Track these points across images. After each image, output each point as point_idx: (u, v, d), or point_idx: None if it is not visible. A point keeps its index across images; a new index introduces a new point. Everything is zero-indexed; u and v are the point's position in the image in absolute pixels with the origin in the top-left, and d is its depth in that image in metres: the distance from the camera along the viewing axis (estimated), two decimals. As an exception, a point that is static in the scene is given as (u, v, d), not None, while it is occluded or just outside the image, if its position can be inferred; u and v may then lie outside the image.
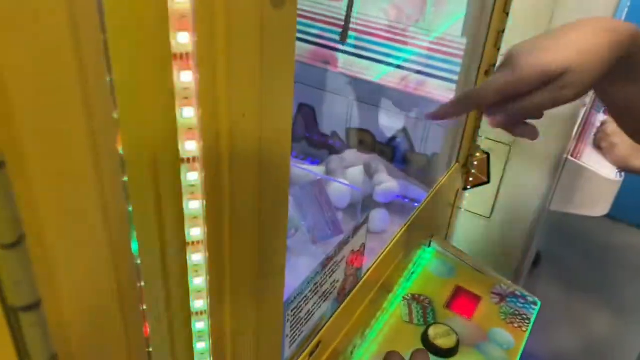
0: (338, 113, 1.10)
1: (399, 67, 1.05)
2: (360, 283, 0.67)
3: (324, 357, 0.62)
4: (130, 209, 0.30)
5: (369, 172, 1.00)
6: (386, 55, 1.06)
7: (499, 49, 0.84)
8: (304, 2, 1.08)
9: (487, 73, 0.86)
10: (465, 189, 1.07)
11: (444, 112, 0.58)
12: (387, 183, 0.96)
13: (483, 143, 1.01)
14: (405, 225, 0.79)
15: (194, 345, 0.38)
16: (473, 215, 1.10)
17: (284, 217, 0.41)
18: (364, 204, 1.00)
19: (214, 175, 0.33)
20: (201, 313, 0.37)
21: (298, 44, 1.08)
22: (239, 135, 0.34)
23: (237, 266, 0.38)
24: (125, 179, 0.29)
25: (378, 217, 0.96)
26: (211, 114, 0.32)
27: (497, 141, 1.00)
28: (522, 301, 0.86)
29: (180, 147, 0.31)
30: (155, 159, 0.30)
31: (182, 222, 0.34)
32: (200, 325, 0.37)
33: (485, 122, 0.96)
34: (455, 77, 0.94)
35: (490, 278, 0.89)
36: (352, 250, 0.62)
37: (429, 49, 1.01)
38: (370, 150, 1.10)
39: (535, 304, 0.86)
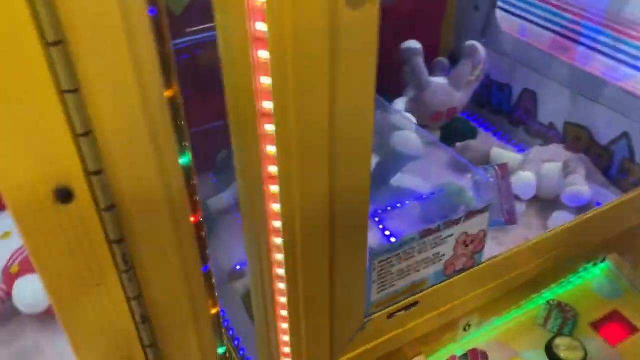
0: (560, 105, 1.06)
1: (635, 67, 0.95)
2: (478, 267, 0.70)
3: (422, 317, 0.68)
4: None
5: (566, 171, 0.95)
6: (629, 55, 0.97)
7: None
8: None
9: None
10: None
11: None
12: (578, 186, 0.91)
13: None
14: (560, 228, 0.77)
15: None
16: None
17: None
18: (552, 202, 0.97)
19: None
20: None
21: (537, 29, 1.07)
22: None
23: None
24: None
25: (560, 218, 0.93)
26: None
27: None
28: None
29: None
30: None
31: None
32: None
33: None
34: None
35: (663, 316, 0.80)
36: (466, 233, 0.65)
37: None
38: (585, 149, 1.04)
39: None
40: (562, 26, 1.05)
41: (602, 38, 1.00)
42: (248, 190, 0.49)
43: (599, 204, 0.94)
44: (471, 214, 0.64)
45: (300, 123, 0.43)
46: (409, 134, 0.95)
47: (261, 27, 0.39)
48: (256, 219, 0.50)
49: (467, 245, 0.67)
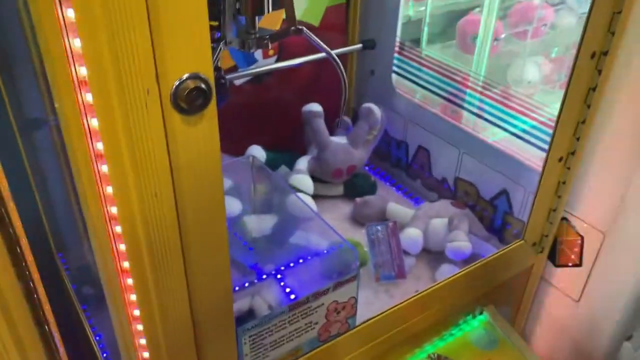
0: (450, 162, 1.14)
1: (514, 134, 1.05)
2: (354, 330, 0.75)
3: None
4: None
5: (451, 227, 1.03)
6: (503, 121, 1.07)
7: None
8: (445, 58, 1.15)
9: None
10: (557, 266, 1.03)
11: None
12: (459, 242, 0.99)
13: (578, 225, 0.96)
14: (437, 285, 0.84)
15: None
16: (562, 294, 1.04)
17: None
18: (439, 255, 1.04)
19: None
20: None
21: (431, 96, 1.16)
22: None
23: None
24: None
25: (446, 271, 1.00)
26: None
27: (592, 226, 0.94)
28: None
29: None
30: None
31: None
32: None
33: (582, 199, 0.92)
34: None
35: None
36: (336, 301, 0.70)
37: (545, 124, 0.99)
38: (474, 203, 1.12)
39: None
40: (448, 92, 1.14)
41: (482, 105, 1.09)
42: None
43: (483, 256, 1.02)
44: (339, 284, 0.70)
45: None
46: (303, 198, 1.00)
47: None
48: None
49: (338, 312, 0.72)
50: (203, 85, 0.44)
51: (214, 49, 0.71)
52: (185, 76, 0.43)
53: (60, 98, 0.44)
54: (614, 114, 0.82)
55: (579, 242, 0.98)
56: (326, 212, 1.16)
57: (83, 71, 0.40)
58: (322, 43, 0.84)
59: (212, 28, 0.69)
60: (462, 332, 0.92)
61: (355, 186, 1.19)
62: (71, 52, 0.40)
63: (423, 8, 1.17)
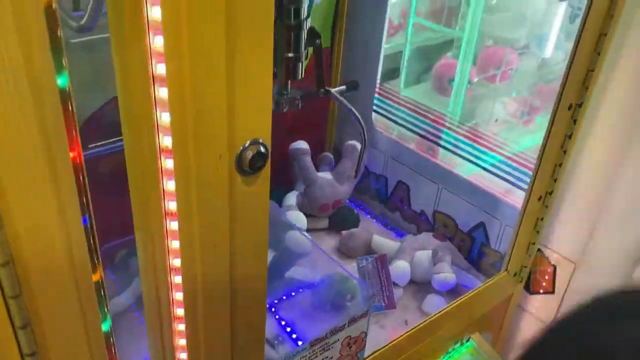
0: (428, 196, 1.22)
1: (484, 169, 1.13)
2: (362, 362, 0.80)
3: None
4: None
5: (435, 259, 1.10)
6: (475, 157, 1.16)
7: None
8: (423, 99, 1.24)
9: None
10: (531, 293, 1.12)
11: None
12: (445, 274, 1.06)
13: (551, 256, 1.05)
14: (435, 315, 0.90)
15: None
16: (537, 319, 1.13)
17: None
18: (425, 286, 1.11)
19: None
20: None
21: (408, 133, 1.23)
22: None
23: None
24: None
25: (433, 302, 1.07)
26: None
27: (564, 257, 1.03)
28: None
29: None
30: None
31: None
32: None
33: (554, 233, 1.01)
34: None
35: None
36: (349, 336, 0.75)
37: (510, 159, 1.08)
38: (452, 235, 1.20)
39: None
40: (425, 130, 1.22)
41: (457, 142, 1.18)
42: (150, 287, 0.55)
43: (465, 285, 1.10)
44: (353, 320, 0.74)
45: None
46: (298, 235, 1.05)
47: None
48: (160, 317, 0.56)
49: (350, 347, 0.77)
50: (263, 149, 0.49)
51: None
52: (248, 143, 0.48)
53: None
54: (584, 158, 0.92)
55: (552, 271, 1.07)
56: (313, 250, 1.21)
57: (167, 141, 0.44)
58: (347, 103, 0.90)
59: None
60: (451, 359, 0.98)
61: (340, 219, 1.25)
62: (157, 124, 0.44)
63: (401, 42, 1.26)
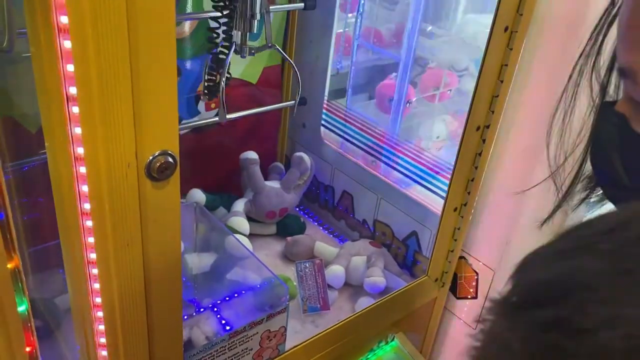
0: (370, 206, 1.31)
1: (419, 184, 1.23)
2: (282, 355, 0.88)
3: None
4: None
5: (369, 264, 1.18)
6: (411, 172, 1.25)
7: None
8: (368, 115, 1.33)
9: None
10: (458, 298, 1.21)
11: None
12: (375, 277, 1.14)
13: (474, 264, 1.14)
14: (354, 315, 0.98)
15: None
16: (463, 323, 1.21)
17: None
18: (359, 289, 1.20)
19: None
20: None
21: (353, 147, 1.33)
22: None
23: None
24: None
25: (365, 304, 1.15)
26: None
27: (485, 265, 1.12)
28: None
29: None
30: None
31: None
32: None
33: (477, 242, 1.10)
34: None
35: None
36: (268, 330, 0.83)
37: (440, 175, 1.18)
38: (390, 242, 1.28)
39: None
40: (367, 145, 1.31)
41: (396, 158, 1.27)
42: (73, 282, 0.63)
43: (395, 289, 1.18)
44: (271, 315, 0.83)
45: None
46: (240, 239, 1.13)
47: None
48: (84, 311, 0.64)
49: (270, 340, 0.85)
50: (171, 159, 0.57)
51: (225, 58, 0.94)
52: (157, 153, 0.56)
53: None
54: (497, 173, 1.02)
55: (475, 277, 1.16)
56: (260, 249, 1.29)
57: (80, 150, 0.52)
58: (289, 59, 1.16)
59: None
60: (376, 356, 1.06)
61: (287, 226, 1.33)
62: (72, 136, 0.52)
63: (348, 62, 1.35)
